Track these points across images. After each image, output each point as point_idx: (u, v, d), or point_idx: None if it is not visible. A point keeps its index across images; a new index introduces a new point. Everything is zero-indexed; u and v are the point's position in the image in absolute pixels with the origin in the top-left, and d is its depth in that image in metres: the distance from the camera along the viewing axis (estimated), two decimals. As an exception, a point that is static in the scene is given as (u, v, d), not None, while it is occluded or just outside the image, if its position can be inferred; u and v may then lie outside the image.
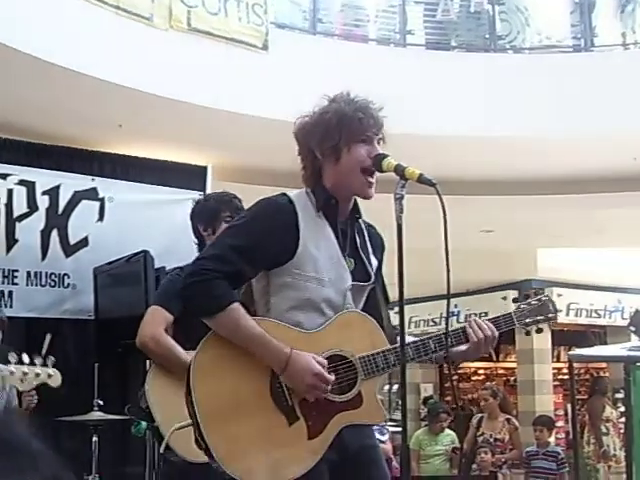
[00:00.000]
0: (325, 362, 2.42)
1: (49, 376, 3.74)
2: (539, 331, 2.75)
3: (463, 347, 2.62)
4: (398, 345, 2.43)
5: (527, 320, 2.72)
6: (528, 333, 2.78)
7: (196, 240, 3.94)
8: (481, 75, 7.77)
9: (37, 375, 3.67)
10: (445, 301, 2.38)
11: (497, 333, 2.62)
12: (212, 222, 3.83)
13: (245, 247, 2.43)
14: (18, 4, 6.16)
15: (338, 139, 2.51)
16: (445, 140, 7.37)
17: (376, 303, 2.64)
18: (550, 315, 2.76)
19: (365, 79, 7.45)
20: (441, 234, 2.33)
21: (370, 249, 2.68)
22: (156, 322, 3.68)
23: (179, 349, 3.63)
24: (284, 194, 2.56)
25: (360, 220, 2.69)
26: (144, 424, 4.01)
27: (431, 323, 13.23)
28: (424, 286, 8.67)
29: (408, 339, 2.52)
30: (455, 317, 11.50)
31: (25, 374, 3.62)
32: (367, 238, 2.69)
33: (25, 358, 3.64)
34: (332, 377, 2.42)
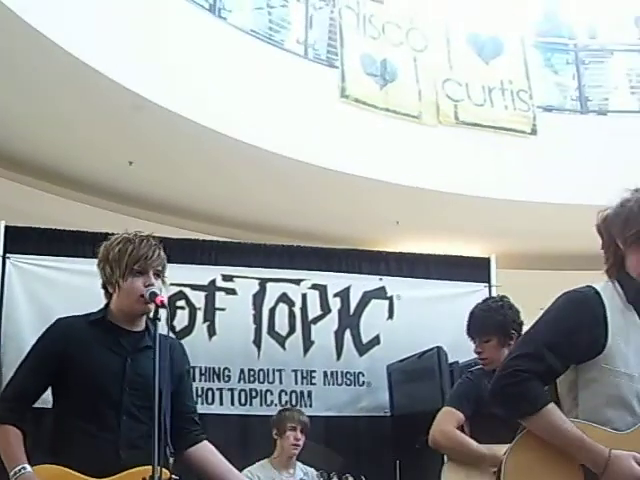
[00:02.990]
0: None
1: None
2: None
3: None
4: None
5: None
6: None
7: None
8: None
9: None
10: None
11: None
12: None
13: (556, 343, 2.37)
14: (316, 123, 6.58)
15: None
16: None
17: None
18: None
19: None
20: None
21: None
22: (447, 421, 3.81)
23: (470, 441, 3.71)
24: (589, 286, 2.47)
25: None
26: None
27: None
28: None
29: None
30: None
31: None
32: None
33: None
34: None
